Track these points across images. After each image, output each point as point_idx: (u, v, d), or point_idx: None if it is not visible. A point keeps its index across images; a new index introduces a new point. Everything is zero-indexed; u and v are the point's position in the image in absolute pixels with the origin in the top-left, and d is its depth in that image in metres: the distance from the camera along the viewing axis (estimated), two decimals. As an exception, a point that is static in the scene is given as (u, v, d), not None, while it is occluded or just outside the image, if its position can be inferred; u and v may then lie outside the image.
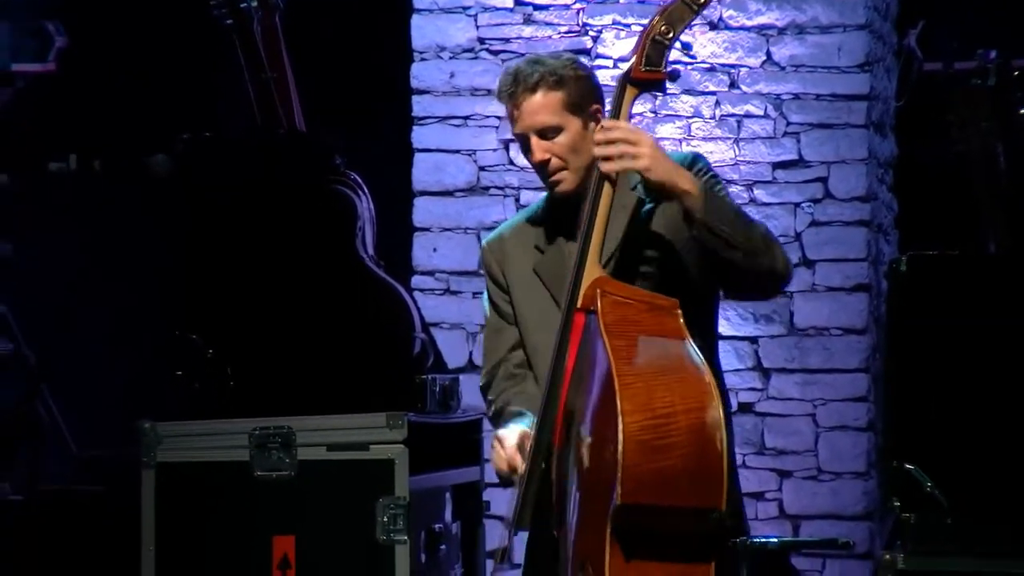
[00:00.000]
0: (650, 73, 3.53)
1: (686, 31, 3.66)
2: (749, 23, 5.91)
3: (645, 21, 5.42)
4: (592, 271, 3.57)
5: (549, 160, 3.61)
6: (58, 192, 6.60)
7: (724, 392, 3.60)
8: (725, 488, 3.37)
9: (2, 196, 6.46)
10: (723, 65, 5.92)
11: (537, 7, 6.15)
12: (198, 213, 5.62)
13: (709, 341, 3.75)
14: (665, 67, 3.55)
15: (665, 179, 3.46)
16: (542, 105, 3.59)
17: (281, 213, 5.47)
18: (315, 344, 5.34)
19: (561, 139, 3.61)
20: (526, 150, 3.73)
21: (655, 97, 5.74)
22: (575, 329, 3.63)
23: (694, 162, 3.69)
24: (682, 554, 3.42)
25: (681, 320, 3.52)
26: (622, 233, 3.69)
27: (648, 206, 3.67)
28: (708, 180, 3.68)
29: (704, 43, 5.94)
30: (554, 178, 3.66)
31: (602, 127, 3.52)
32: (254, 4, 5.56)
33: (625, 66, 3.56)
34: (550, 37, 6.03)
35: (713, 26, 5.91)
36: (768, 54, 5.93)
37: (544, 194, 3.92)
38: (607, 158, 3.47)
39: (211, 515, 4.75)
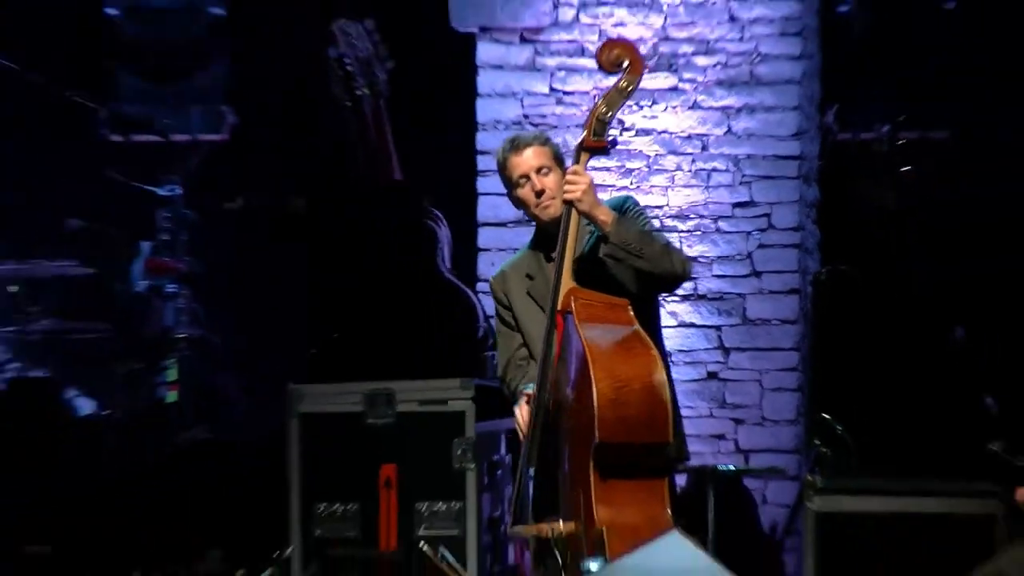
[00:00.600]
0: (597, 142, 4.05)
1: (622, 111, 4.17)
2: (716, 104, 6.33)
3: (647, 103, 6.02)
4: (567, 283, 4.04)
5: (544, 191, 4.08)
6: (232, 224, 7.43)
7: (667, 364, 4.06)
8: (671, 429, 3.92)
9: (195, 228, 7.17)
10: (698, 134, 6.32)
11: (566, 93, 6.49)
12: (327, 241, 6.66)
13: (654, 326, 4.24)
14: (607, 137, 4.07)
15: (587, 210, 3.96)
16: (540, 153, 4.11)
17: (387, 239, 6.33)
18: (410, 330, 6.20)
19: (551, 177, 4.08)
20: (519, 191, 4.16)
21: (647, 156, 6.25)
22: (559, 325, 4.07)
23: (625, 201, 4.24)
24: (644, 474, 4.01)
25: (631, 313, 4.03)
26: (583, 256, 4.11)
27: (596, 235, 4.09)
28: (633, 212, 4.19)
29: (684, 119, 6.29)
30: (546, 202, 4.10)
31: (569, 171, 4.04)
32: (366, 92, 6.31)
33: (580, 137, 4.10)
34: (575, 114, 6.40)
35: (692, 107, 6.28)
36: (729, 127, 6.35)
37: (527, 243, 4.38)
38: (565, 191, 3.99)
39: (336, 450, 5.50)
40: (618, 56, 4.08)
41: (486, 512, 5.59)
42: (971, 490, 5.23)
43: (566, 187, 3.97)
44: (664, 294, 5.20)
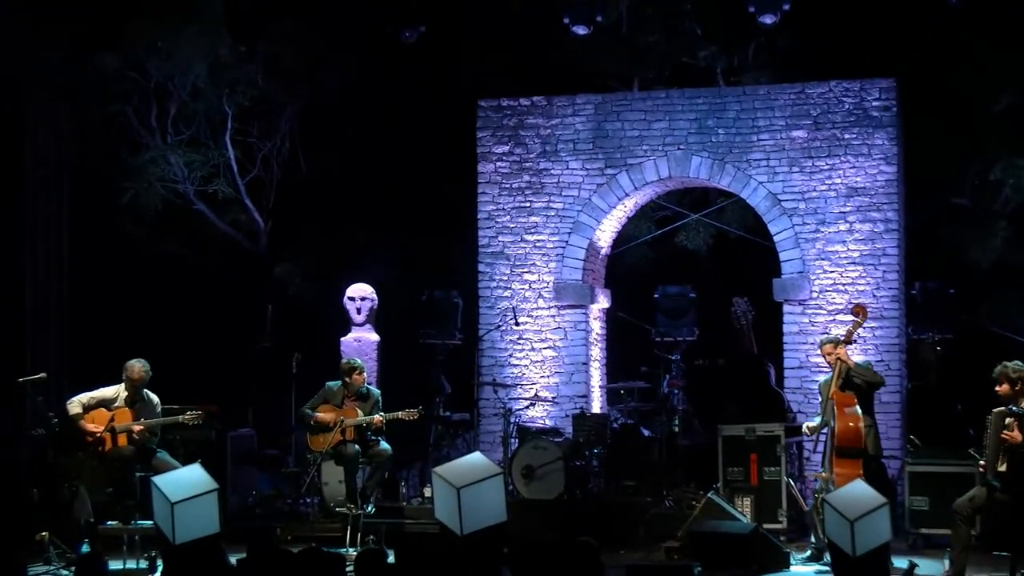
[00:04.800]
0: (848, 340, 9.30)
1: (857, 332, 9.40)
2: (868, 326, 11.13)
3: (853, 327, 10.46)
4: (834, 387, 9.19)
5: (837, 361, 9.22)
6: (698, 370, 12.70)
7: (874, 418, 9.10)
8: (864, 442, 9.12)
9: (684, 370, 12.22)
10: (860, 336, 11.31)
11: (814, 324, 11.66)
12: (728, 375, 12.56)
13: (869, 402, 9.21)
14: (853, 339, 9.45)
15: (844, 361, 9.04)
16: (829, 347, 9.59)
17: (751, 375, 12.38)
18: (761, 407, 11.87)
19: (840, 349, 9.29)
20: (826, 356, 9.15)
21: (847, 346, 9.95)
22: (834, 403, 9.16)
23: (857, 365, 9.04)
24: (852, 456, 9.20)
25: (856, 400, 9.18)
26: (844, 376, 9.04)
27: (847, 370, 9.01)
28: (863, 364, 9.10)
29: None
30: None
31: (838, 350, 8.96)
32: (744, 323, 12.38)
33: (843, 337, 9.28)
34: (823, 322, 11.45)
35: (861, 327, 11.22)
36: (874, 333, 11.44)
37: None
38: (838, 359, 9.08)
39: (735, 449, 10.80)
40: (857, 311, 9.21)
41: (788, 470, 10.94)
42: (965, 463, 10.03)
43: (837, 355, 9.17)
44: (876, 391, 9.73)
